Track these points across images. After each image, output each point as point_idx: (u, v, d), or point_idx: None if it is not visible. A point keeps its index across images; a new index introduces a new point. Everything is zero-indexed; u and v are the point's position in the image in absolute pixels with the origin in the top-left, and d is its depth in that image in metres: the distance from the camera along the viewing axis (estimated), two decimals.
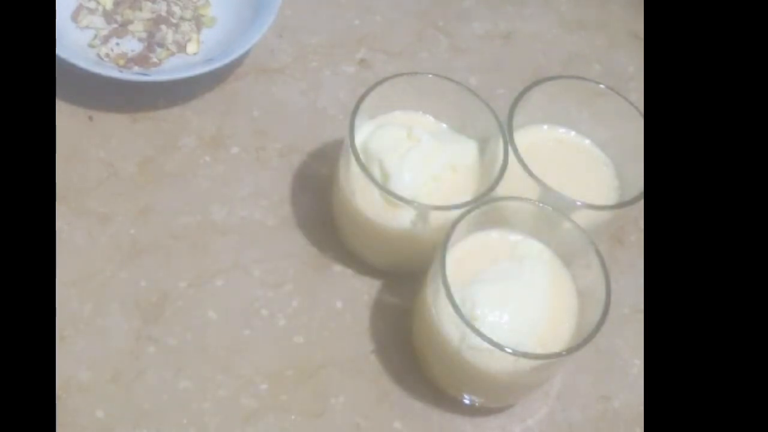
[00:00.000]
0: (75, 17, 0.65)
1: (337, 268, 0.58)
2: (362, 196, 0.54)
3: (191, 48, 0.66)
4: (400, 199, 0.51)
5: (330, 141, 0.63)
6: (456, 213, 0.51)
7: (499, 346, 0.46)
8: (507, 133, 0.54)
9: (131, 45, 0.65)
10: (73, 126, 0.61)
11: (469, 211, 0.51)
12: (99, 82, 0.60)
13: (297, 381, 0.54)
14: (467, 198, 0.53)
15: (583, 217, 0.52)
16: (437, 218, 0.52)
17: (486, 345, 0.47)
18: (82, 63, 0.59)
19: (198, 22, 0.67)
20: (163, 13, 0.67)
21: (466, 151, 0.56)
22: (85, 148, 0.60)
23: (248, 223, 0.59)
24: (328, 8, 0.71)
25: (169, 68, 0.64)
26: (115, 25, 0.65)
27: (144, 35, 0.65)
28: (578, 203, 0.54)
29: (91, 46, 0.64)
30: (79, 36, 0.64)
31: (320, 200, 0.60)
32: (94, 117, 0.62)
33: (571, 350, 0.48)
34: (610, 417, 0.56)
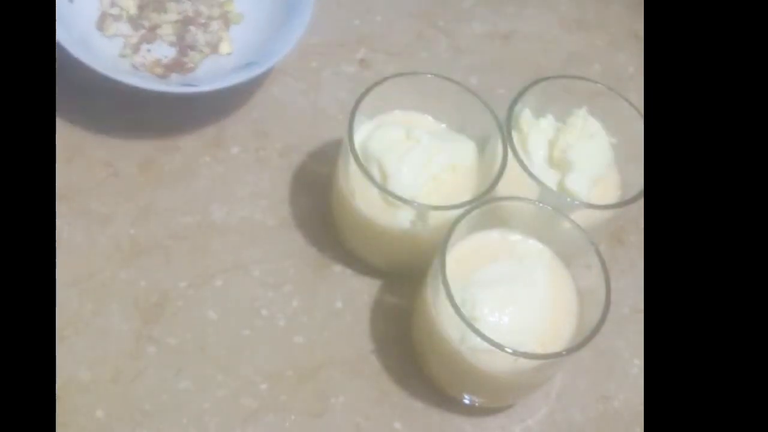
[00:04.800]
0: (100, 26, 0.62)
1: (337, 268, 0.58)
2: (362, 197, 0.54)
3: (224, 48, 0.63)
4: (400, 199, 0.51)
5: (330, 141, 0.63)
6: (456, 213, 0.51)
7: (500, 346, 0.46)
8: (506, 133, 0.54)
9: (163, 50, 0.63)
10: (73, 126, 0.61)
11: (469, 211, 0.51)
12: (100, 81, 0.60)
13: (297, 381, 0.54)
14: (467, 198, 0.53)
15: (583, 217, 0.52)
16: (437, 218, 0.52)
17: (486, 345, 0.47)
18: (132, 79, 0.57)
19: (226, 20, 0.64)
20: (190, 14, 0.64)
21: (466, 151, 0.56)
22: (85, 148, 0.60)
23: (248, 223, 0.59)
24: (328, 8, 0.71)
25: (206, 72, 0.62)
26: (143, 31, 0.63)
27: (174, 38, 0.63)
28: (578, 203, 0.54)
29: (122, 56, 0.62)
30: (107, 46, 0.62)
31: (320, 200, 0.60)
32: (95, 117, 0.62)
33: (571, 350, 0.48)
34: (610, 417, 0.56)
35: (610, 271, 0.50)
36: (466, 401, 0.54)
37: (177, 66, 0.62)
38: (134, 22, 0.63)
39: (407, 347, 0.55)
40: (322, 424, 0.53)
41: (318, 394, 0.54)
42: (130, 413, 0.51)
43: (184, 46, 0.62)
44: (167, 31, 0.63)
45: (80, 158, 0.60)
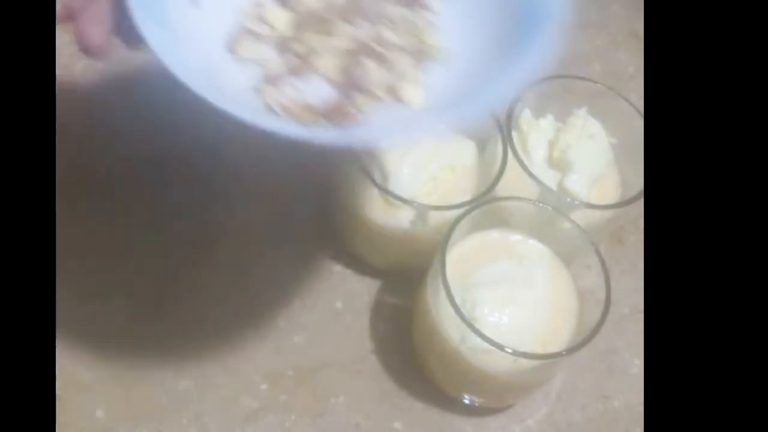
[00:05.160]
0: (234, 46, 0.42)
1: (337, 268, 0.58)
2: (362, 197, 0.54)
3: (411, 95, 0.42)
4: (400, 199, 0.51)
5: None
6: (456, 213, 0.51)
7: (500, 347, 0.46)
8: (506, 133, 0.54)
9: (318, 90, 0.42)
10: (73, 126, 0.61)
11: (469, 211, 0.51)
12: (99, 83, 0.60)
13: (297, 381, 0.54)
14: (467, 198, 0.53)
15: (583, 217, 0.52)
16: (437, 218, 0.52)
17: (486, 345, 0.47)
18: (264, 120, 0.39)
19: (420, 54, 0.43)
20: (367, 40, 0.43)
21: (466, 151, 0.56)
22: (85, 148, 0.60)
23: (248, 223, 0.59)
24: None
25: (382, 126, 0.42)
26: (294, 59, 0.42)
27: (337, 75, 0.42)
28: (578, 203, 0.54)
29: (257, 90, 0.41)
30: (239, 74, 0.42)
31: (320, 200, 0.60)
32: (95, 117, 0.62)
33: (571, 350, 0.48)
34: (610, 417, 0.56)
35: (610, 271, 0.50)
36: (466, 401, 0.54)
37: (335, 113, 0.41)
38: (283, 44, 0.43)
39: (407, 347, 0.55)
40: (322, 424, 0.53)
41: (318, 394, 0.54)
42: (130, 413, 0.51)
43: (349, 86, 0.42)
44: (328, 62, 0.42)
45: (80, 158, 0.60)
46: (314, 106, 0.41)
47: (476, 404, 0.54)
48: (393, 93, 0.42)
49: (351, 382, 0.54)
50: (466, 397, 0.53)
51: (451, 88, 0.42)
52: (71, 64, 0.64)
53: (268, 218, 0.60)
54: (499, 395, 0.54)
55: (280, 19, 0.43)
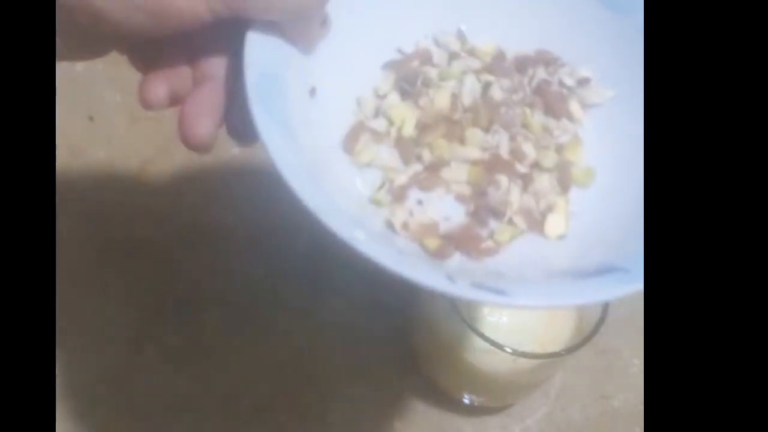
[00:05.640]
0: (349, 145, 0.37)
1: (337, 268, 0.58)
2: None
3: (554, 225, 0.36)
4: None
5: None
6: None
7: (499, 346, 0.46)
8: None
9: (445, 207, 0.36)
10: (73, 126, 0.61)
11: None
12: (98, 81, 0.60)
13: (297, 381, 0.54)
14: None
15: None
16: None
17: (486, 345, 0.47)
18: (388, 259, 0.35)
19: (564, 175, 0.37)
20: (504, 153, 0.37)
21: None
22: (85, 148, 0.60)
23: (248, 223, 0.59)
24: None
25: (515, 263, 0.35)
26: (419, 167, 0.37)
27: (468, 190, 0.37)
28: None
29: (375, 203, 0.36)
30: (355, 180, 0.36)
31: None
32: (94, 117, 0.62)
33: (570, 350, 0.48)
34: (610, 417, 0.56)
35: None
36: (466, 401, 0.54)
37: (465, 241, 0.35)
38: (406, 148, 0.37)
39: (407, 347, 0.55)
40: (322, 424, 0.53)
41: (318, 394, 0.54)
42: (130, 413, 0.51)
43: (482, 209, 0.36)
44: (459, 175, 0.37)
45: (80, 158, 0.60)
46: (441, 230, 0.35)
47: (476, 404, 0.54)
48: (532, 221, 0.36)
49: (351, 382, 0.54)
50: (466, 397, 0.53)
51: (603, 223, 0.36)
52: (71, 64, 0.64)
53: (268, 220, 0.60)
54: (499, 395, 0.54)
55: (403, 117, 0.37)
